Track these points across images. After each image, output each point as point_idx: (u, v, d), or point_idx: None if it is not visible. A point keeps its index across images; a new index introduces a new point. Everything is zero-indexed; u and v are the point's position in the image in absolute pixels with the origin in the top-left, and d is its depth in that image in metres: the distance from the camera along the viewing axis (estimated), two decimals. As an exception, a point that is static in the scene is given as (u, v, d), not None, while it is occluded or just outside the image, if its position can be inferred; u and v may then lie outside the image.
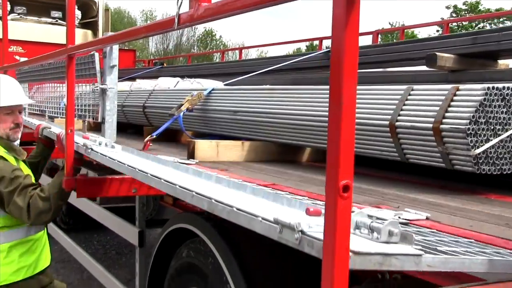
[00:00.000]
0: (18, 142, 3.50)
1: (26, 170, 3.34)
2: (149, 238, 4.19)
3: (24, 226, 3.24)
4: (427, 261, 1.34)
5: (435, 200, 2.32)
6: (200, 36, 49.27)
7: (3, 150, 3.20)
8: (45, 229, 3.48)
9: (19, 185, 3.07)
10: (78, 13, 10.24)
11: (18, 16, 10.26)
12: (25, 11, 10.41)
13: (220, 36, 49.28)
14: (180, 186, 2.13)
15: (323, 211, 1.50)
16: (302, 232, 1.38)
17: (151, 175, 2.41)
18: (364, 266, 1.25)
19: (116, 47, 4.33)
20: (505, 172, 2.48)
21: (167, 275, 3.45)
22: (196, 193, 1.99)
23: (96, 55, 4.37)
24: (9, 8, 8.96)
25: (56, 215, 3.35)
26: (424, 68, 3.72)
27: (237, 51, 16.95)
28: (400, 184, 2.77)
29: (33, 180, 3.25)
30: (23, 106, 3.96)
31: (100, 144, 3.37)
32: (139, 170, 2.54)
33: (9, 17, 7.91)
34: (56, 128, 3.94)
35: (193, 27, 48.78)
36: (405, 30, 7.60)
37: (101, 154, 3.05)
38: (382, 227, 1.38)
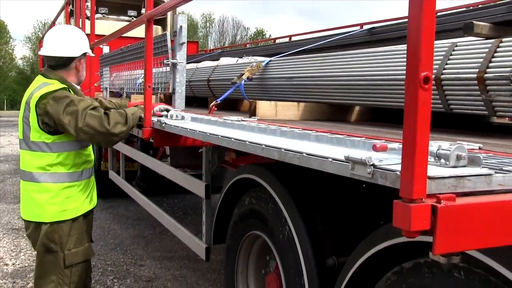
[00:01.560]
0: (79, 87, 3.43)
1: None
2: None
3: (76, 171, 3.13)
4: (498, 180, 1.22)
5: (481, 141, 2.15)
6: (252, 35, 49.35)
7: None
8: (94, 174, 3.40)
9: (91, 104, 3.01)
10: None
11: (102, 16, 10.46)
12: (107, 11, 10.63)
13: (270, 35, 49.18)
14: (249, 142, 2.04)
15: (389, 145, 1.37)
16: (374, 166, 1.27)
17: (221, 136, 2.33)
18: (439, 190, 1.14)
19: (185, 27, 4.26)
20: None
21: (230, 221, 3.39)
22: (266, 145, 1.89)
23: (168, 34, 4.32)
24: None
25: (126, 136, 3.30)
26: (459, 40, 3.49)
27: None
28: (443, 133, 2.59)
29: None
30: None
31: (171, 117, 3.33)
32: (210, 134, 2.47)
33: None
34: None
35: (246, 27, 48.82)
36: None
37: (174, 126, 3.00)
38: (450, 152, 1.25)
